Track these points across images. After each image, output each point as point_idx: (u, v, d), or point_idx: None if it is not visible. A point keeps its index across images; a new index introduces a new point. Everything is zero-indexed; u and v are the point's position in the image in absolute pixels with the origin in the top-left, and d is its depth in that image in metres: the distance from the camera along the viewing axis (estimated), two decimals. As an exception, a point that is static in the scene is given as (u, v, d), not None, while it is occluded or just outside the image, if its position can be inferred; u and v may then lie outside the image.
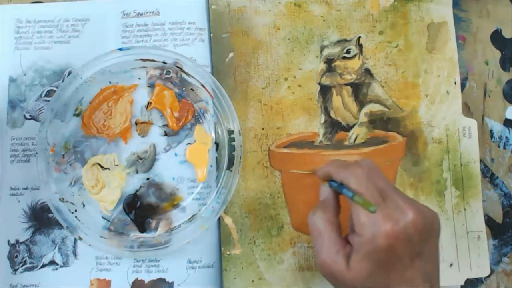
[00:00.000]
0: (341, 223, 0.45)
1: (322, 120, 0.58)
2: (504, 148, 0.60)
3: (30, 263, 0.56)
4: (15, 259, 0.56)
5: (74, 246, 0.56)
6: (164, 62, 0.56)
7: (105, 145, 0.57)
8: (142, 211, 0.56)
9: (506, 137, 0.60)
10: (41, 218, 0.57)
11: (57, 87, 0.57)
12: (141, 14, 0.59)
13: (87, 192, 0.56)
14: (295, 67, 0.59)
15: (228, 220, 0.57)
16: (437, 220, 0.43)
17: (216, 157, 0.57)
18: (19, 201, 0.57)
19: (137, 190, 0.57)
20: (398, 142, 0.58)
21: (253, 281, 0.56)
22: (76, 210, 0.55)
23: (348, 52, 0.59)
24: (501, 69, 0.61)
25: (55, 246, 0.56)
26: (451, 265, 0.57)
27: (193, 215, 0.56)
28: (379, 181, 0.43)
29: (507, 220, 0.59)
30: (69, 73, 0.58)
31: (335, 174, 0.45)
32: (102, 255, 0.56)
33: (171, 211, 0.57)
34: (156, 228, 0.56)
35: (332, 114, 0.59)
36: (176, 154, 0.57)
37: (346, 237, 0.44)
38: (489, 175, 0.60)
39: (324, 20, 0.60)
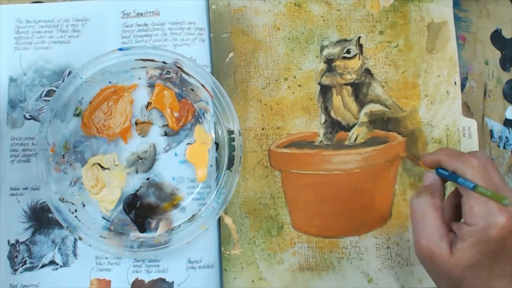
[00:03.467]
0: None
1: (322, 120, 0.58)
2: (504, 148, 0.60)
3: (30, 263, 0.56)
4: (15, 259, 0.56)
5: (74, 246, 0.56)
6: (164, 62, 0.56)
7: (105, 145, 0.57)
8: (142, 211, 0.56)
9: (506, 137, 0.60)
10: (41, 218, 0.57)
11: (57, 87, 0.57)
12: (141, 14, 0.59)
13: (87, 192, 0.56)
14: (295, 67, 0.59)
15: (228, 220, 0.57)
16: None
17: (216, 157, 0.57)
18: (19, 201, 0.57)
19: (137, 190, 0.57)
20: (398, 142, 0.58)
21: (253, 281, 0.56)
22: (76, 210, 0.55)
23: (348, 52, 0.59)
24: (501, 69, 0.61)
25: (55, 246, 0.56)
26: (451, 265, 0.57)
27: (193, 215, 0.56)
28: (494, 175, 0.42)
29: (507, 220, 0.59)
30: (69, 73, 0.58)
31: (448, 163, 0.44)
32: (102, 255, 0.56)
33: (171, 211, 0.57)
34: (156, 228, 0.56)
35: (332, 114, 0.59)
36: (176, 154, 0.57)
37: (448, 224, 0.43)
38: (489, 175, 0.59)
39: (324, 20, 0.60)
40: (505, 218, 0.39)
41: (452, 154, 0.44)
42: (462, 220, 0.42)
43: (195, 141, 0.57)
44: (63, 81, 0.58)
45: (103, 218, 0.56)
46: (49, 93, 0.58)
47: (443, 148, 0.47)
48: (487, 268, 0.41)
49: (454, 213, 0.45)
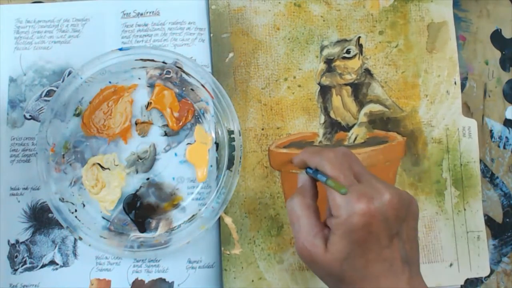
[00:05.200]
0: (319, 210, 0.45)
1: (322, 120, 0.58)
2: (504, 148, 0.60)
3: (30, 263, 0.56)
4: (15, 259, 0.56)
5: (74, 246, 0.56)
6: (164, 62, 0.56)
7: (105, 145, 0.57)
8: (142, 211, 0.56)
9: (506, 137, 0.60)
10: (41, 218, 0.57)
11: (57, 87, 0.57)
12: (141, 14, 0.59)
13: (87, 192, 0.56)
14: (295, 67, 0.59)
15: (228, 220, 0.57)
16: (415, 203, 0.43)
17: (216, 157, 0.57)
18: (19, 201, 0.57)
19: (137, 190, 0.57)
20: (398, 142, 0.58)
21: (253, 281, 0.56)
22: (76, 210, 0.55)
23: (348, 52, 0.59)
24: (501, 69, 0.61)
25: (55, 246, 0.56)
26: (451, 265, 0.57)
27: (193, 215, 0.56)
28: (354, 165, 0.44)
29: (507, 220, 0.59)
30: (69, 73, 0.58)
31: (309, 161, 0.46)
32: (102, 255, 0.56)
33: (171, 211, 0.57)
34: (156, 228, 0.56)
35: (332, 114, 0.59)
36: (176, 154, 0.57)
37: (324, 221, 0.44)
38: (489, 175, 0.60)
39: (324, 20, 0.60)
40: (364, 204, 0.40)
41: (312, 152, 0.46)
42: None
43: (195, 141, 0.57)
44: (63, 81, 0.58)
45: (103, 218, 0.56)
46: (49, 93, 0.58)
47: (307, 147, 0.48)
48: (362, 257, 0.41)
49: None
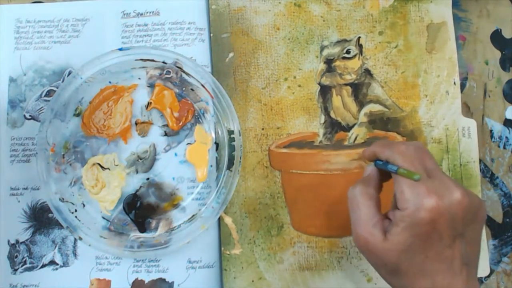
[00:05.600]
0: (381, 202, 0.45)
1: (322, 120, 0.59)
2: (504, 148, 0.60)
3: (30, 263, 0.56)
4: (15, 259, 0.56)
5: (74, 246, 0.56)
6: (164, 62, 0.56)
7: (105, 145, 0.57)
8: (142, 211, 0.56)
9: (506, 137, 0.60)
10: (41, 218, 0.57)
11: (57, 87, 0.57)
12: (141, 14, 0.59)
13: (87, 192, 0.56)
14: (295, 67, 0.59)
15: (228, 220, 0.57)
16: (484, 207, 0.43)
17: (216, 157, 0.57)
18: (19, 201, 0.57)
19: (137, 190, 0.57)
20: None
21: (253, 281, 0.56)
22: (76, 210, 0.55)
23: (348, 52, 0.59)
24: (501, 69, 0.61)
25: (55, 246, 0.56)
26: (451, 265, 0.57)
27: (193, 215, 0.56)
28: (427, 161, 0.43)
29: (507, 220, 0.59)
30: (69, 73, 0.58)
31: (381, 153, 0.45)
32: (102, 255, 0.56)
33: (171, 211, 0.57)
34: (156, 228, 0.56)
35: (332, 114, 0.59)
36: (176, 154, 0.57)
37: (386, 213, 0.43)
38: (489, 175, 0.60)
39: (324, 20, 0.60)
40: (433, 200, 0.40)
41: (384, 144, 0.46)
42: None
43: (195, 141, 0.57)
44: (63, 81, 0.58)
45: (103, 218, 0.56)
46: (49, 93, 0.58)
47: (378, 141, 0.48)
48: (422, 252, 0.41)
49: (395, 202, 0.45)
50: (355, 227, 0.43)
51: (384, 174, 0.46)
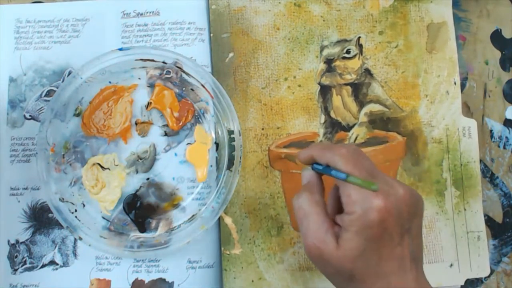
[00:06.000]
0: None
1: (322, 120, 0.58)
2: (504, 148, 0.60)
3: (30, 263, 0.56)
4: (15, 259, 0.56)
5: (74, 246, 0.56)
6: (164, 62, 0.56)
7: (105, 145, 0.57)
8: (142, 211, 0.56)
9: (506, 137, 0.60)
10: (41, 218, 0.57)
11: (57, 87, 0.57)
12: (141, 14, 0.59)
13: (87, 192, 0.56)
14: (295, 67, 0.59)
15: (228, 220, 0.57)
16: (422, 200, 0.43)
17: (216, 157, 0.57)
18: (19, 201, 0.57)
19: (137, 190, 0.57)
20: (398, 142, 0.58)
21: (253, 281, 0.56)
22: (76, 210, 0.55)
23: (348, 52, 0.59)
24: (501, 69, 0.61)
25: (55, 246, 0.56)
26: (451, 265, 0.57)
27: (193, 215, 0.56)
28: (365, 161, 0.43)
29: (507, 220, 0.59)
30: (69, 73, 0.58)
31: (320, 157, 0.44)
32: (102, 255, 0.56)
33: (171, 211, 0.57)
34: (156, 228, 0.56)
35: (332, 114, 0.59)
36: (176, 154, 0.57)
37: (332, 219, 0.43)
38: (489, 175, 0.60)
39: (324, 20, 0.60)
40: (381, 200, 0.39)
41: (323, 147, 0.44)
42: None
43: (195, 141, 0.57)
44: (63, 81, 0.58)
45: (103, 218, 0.56)
46: (49, 93, 0.58)
47: (315, 143, 0.47)
48: (375, 254, 0.40)
49: (339, 207, 0.44)
50: (306, 237, 0.42)
51: (323, 177, 0.45)
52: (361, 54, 0.59)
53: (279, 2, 0.60)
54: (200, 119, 0.58)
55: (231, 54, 0.59)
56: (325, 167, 0.44)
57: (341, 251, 0.40)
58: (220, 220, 0.57)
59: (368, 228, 0.39)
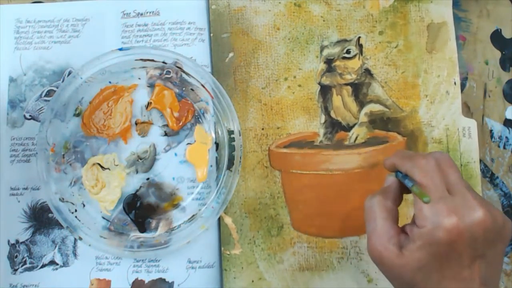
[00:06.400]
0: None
1: (322, 120, 0.58)
2: (504, 148, 0.60)
3: (30, 263, 0.56)
4: (15, 259, 0.56)
5: (74, 246, 0.56)
6: (164, 62, 0.56)
7: (105, 145, 0.57)
8: (142, 211, 0.56)
9: (506, 137, 0.60)
10: (41, 218, 0.57)
11: (57, 87, 0.57)
12: (141, 14, 0.59)
13: (87, 192, 0.56)
14: (295, 67, 0.59)
15: (228, 220, 0.57)
16: (509, 226, 0.41)
17: (216, 157, 0.57)
18: (19, 201, 0.57)
19: (137, 190, 0.57)
20: (398, 142, 0.58)
21: (253, 281, 0.56)
22: (76, 210, 0.55)
23: (348, 52, 0.59)
24: (501, 69, 0.61)
25: (55, 246, 0.56)
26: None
27: (193, 215, 0.56)
28: (450, 175, 0.41)
29: (507, 220, 0.59)
30: (69, 73, 0.58)
31: (400, 165, 0.44)
32: (102, 255, 0.56)
33: (171, 211, 0.57)
34: (156, 228, 0.56)
35: (332, 114, 0.59)
36: (176, 154, 0.57)
37: (403, 227, 0.42)
38: (489, 175, 0.60)
39: (324, 20, 0.60)
40: (453, 220, 0.38)
41: (403, 156, 0.44)
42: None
43: (195, 141, 0.57)
44: (63, 81, 0.58)
45: (103, 218, 0.56)
46: (49, 93, 0.58)
47: (399, 151, 0.46)
48: (438, 272, 0.39)
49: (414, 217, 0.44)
50: (370, 239, 0.42)
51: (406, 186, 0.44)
52: (361, 54, 0.59)
53: (279, 2, 0.60)
54: (200, 119, 0.58)
55: (231, 54, 0.59)
56: (403, 175, 0.43)
57: (402, 260, 0.40)
58: (220, 220, 0.57)
59: (434, 245, 0.39)
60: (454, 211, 0.39)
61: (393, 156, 0.45)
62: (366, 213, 0.44)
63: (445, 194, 0.40)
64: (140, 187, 0.57)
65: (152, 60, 0.56)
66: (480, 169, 0.59)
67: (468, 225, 0.38)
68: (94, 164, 0.56)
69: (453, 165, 0.42)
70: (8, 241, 0.56)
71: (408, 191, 0.44)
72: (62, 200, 0.55)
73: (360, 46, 0.60)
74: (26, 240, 0.56)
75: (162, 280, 0.56)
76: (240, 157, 0.56)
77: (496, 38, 0.61)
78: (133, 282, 0.56)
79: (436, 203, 0.39)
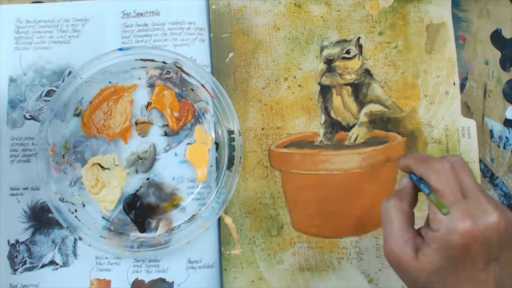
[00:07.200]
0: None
1: (322, 120, 0.59)
2: (504, 148, 0.60)
3: (30, 263, 0.56)
4: (15, 259, 0.56)
5: (74, 246, 0.56)
6: (164, 62, 0.56)
7: (105, 145, 0.57)
8: (142, 211, 0.56)
9: (506, 137, 0.60)
10: (41, 218, 0.57)
11: (57, 87, 0.57)
12: (141, 14, 0.59)
13: (87, 192, 0.56)
14: (295, 67, 0.59)
15: (228, 220, 0.57)
16: None
17: (216, 157, 0.57)
18: (19, 201, 0.57)
19: (137, 190, 0.57)
20: (398, 142, 0.58)
21: (253, 281, 0.56)
22: (76, 210, 0.55)
23: (348, 52, 0.59)
24: (501, 69, 0.61)
25: (55, 246, 0.56)
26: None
27: (193, 215, 0.56)
28: (464, 178, 0.41)
29: (507, 220, 0.59)
30: (69, 73, 0.58)
31: (415, 168, 0.44)
32: (102, 255, 0.56)
33: (171, 211, 0.57)
34: (156, 228, 0.56)
35: (332, 114, 0.59)
36: (176, 154, 0.57)
37: (419, 229, 0.43)
38: (489, 175, 0.60)
39: (324, 21, 0.60)
40: (467, 224, 0.38)
41: (419, 159, 0.44)
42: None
43: (195, 141, 0.57)
44: (63, 81, 0.58)
45: (103, 218, 0.56)
46: (49, 93, 0.58)
47: (414, 154, 0.46)
48: (454, 275, 0.40)
49: (428, 219, 0.44)
50: (386, 241, 0.43)
51: None
52: (361, 55, 0.60)
53: (279, 2, 0.60)
54: (200, 119, 0.58)
55: (231, 54, 0.59)
56: (418, 178, 0.44)
57: (418, 263, 0.40)
58: (220, 220, 0.57)
59: (449, 248, 0.39)
60: (468, 215, 0.39)
61: (408, 158, 0.46)
62: (382, 216, 0.44)
63: (460, 198, 0.40)
64: (140, 187, 0.57)
65: (152, 60, 0.56)
66: (480, 169, 0.59)
67: (483, 229, 0.38)
68: (94, 164, 0.56)
69: (467, 168, 0.42)
70: (8, 241, 0.56)
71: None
72: (62, 200, 0.55)
73: (360, 47, 0.60)
74: (26, 240, 0.56)
75: (162, 280, 0.56)
76: (240, 157, 0.56)
77: (496, 38, 0.62)
78: (133, 282, 0.56)
79: (451, 207, 0.39)
